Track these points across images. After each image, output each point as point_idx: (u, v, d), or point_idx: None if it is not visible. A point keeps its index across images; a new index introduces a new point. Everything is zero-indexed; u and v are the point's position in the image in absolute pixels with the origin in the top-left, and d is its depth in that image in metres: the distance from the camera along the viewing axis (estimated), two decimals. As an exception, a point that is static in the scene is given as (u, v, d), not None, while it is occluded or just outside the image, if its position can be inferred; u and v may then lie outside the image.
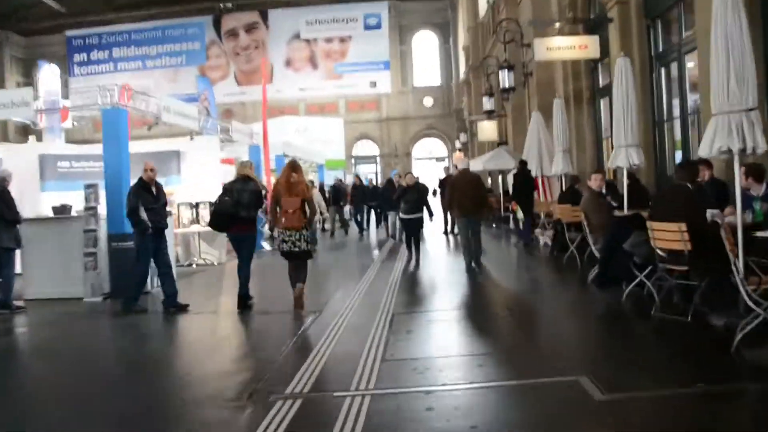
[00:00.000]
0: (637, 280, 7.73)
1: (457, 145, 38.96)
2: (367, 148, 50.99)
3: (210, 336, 8.09)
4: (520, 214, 17.01)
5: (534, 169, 15.68)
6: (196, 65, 48.39)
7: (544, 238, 15.05)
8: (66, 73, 44.82)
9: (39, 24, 46.79)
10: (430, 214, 14.21)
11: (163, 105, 11.95)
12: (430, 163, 51.23)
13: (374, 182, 27.00)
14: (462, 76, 43.95)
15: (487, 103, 22.94)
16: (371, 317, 7.96)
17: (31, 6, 43.39)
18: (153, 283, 10.58)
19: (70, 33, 49.09)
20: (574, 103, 17.12)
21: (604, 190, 9.93)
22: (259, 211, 9.40)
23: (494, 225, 20.63)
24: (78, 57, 49.30)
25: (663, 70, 13.19)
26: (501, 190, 23.79)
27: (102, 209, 10.54)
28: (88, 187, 10.47)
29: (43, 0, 39.84)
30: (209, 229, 13.66)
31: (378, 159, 50.38)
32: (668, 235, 6.73)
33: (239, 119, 27.88)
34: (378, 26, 47.88)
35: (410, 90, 49.69)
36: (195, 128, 13.64)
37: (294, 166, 8.61)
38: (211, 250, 14.54)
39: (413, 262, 13.16)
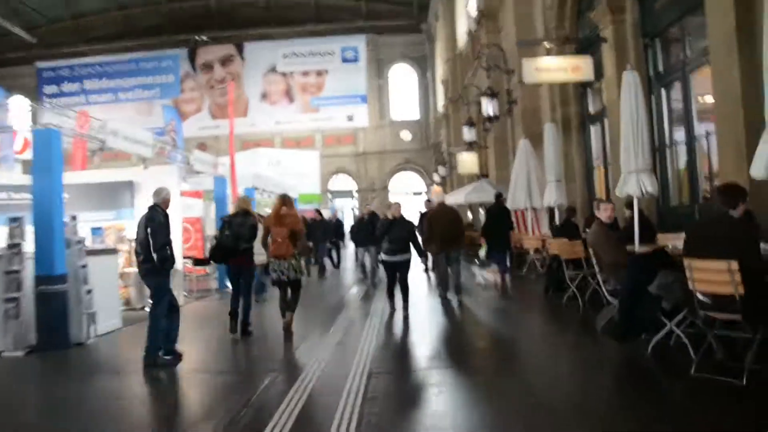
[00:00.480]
0: (666, 329, 6.27)
1: (435, 178, 37.65)
2: (343, 182, 49.59)
3: (140, 404, 6.43)
4: (482, 250, 15.73)
5: (522, 201, 14.31)
6: (170, 98, 46.82)
7: (482, 274, 14.20)
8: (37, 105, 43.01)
9: (8, 54, 45.08)
10: (420, 253, 11.55)
11: (110, 129, 10.34)
12: (407, 197, 49.92)
13: (339, 216, 25.32)
14: (440, 109, 42.94)
15: (468, 134, 21.66)
16: (342, 378, 6.38)
17: (1, 36, 41.71)
18: (89, 333, 8.92)
19: (40, 64, 47.56)
20: (563, 130, 15.83)
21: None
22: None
23: (477, 261, 19.14)
24: (48, 89, 47.59)
25: (663, 91, 11.90)
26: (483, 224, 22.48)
27: (29, 246, 8.86)
28: (12, 220, 8.78)
29: (12, 30, 38.17)
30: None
31: (355, 193, 48.95)
32: (713, 276, 5.30)
33: (213, 153, 26.40)
34: (355, 59, 46.94)
35: (387, 124, 48.54)
36: (148, 155, 12.03)
37: (285, 200, 8.96)
38: (168, 291, 12.87)
39: (399, 315, 10.09)
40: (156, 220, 7.40)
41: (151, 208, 7.59)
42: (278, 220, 8.72)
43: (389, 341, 8.65)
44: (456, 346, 8.32)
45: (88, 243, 10.28)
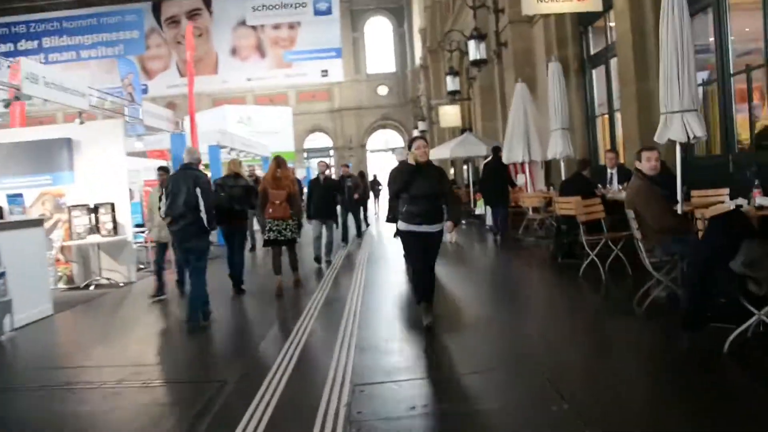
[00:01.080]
0: (753, 320, 4.58)
1: (415, 134, 35.73)
2: (320, 140, 47.53)
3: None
4: (480, 207, 14.03)
5: (520, 153, 12.51)
6: (135, 55, 43.94)
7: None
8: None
9: (-41, 12, 42.03)
10: (458, 220, 7.10)
11: (28, 72, 8.29)
12: (386, 155, 48.03)
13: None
14: (418, 61, 40.85)
15: (451, 83, 19.73)
16: (316, 391, 4.61)
17: (-53, -9, 38.67)
18: (1, 328, 7.07)
19: (-5, 21, 44.41)
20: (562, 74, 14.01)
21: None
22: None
23: (463, 222, 17.39)
24: (3, 47, 44.43)
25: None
26: (469, 181, 20.75)
27: None
28: None
29: (-41, -16, 35.26)
30: (112, 239, 10.56)
31: (331, 152, 46.95)
32: None
33: (183, 112, 24.26)
34: (329, 12, 44.23)
35: (364, 78, 46.40)
36: (83, 107, 10.01)
37: (279, 162, 9.02)
38: (117, 266, 11.00)
39: (429, 320, 6.28)
40: (204, 179, 7.31)
41: (190, 168, 7.33)
42: (275, 182, 8.69)
43: (373, 332, 6.83)
44: (458, 345, 6.06)
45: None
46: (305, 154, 45.98)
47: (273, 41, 44.30)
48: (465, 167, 25.39)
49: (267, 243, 8.99)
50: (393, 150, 47.10)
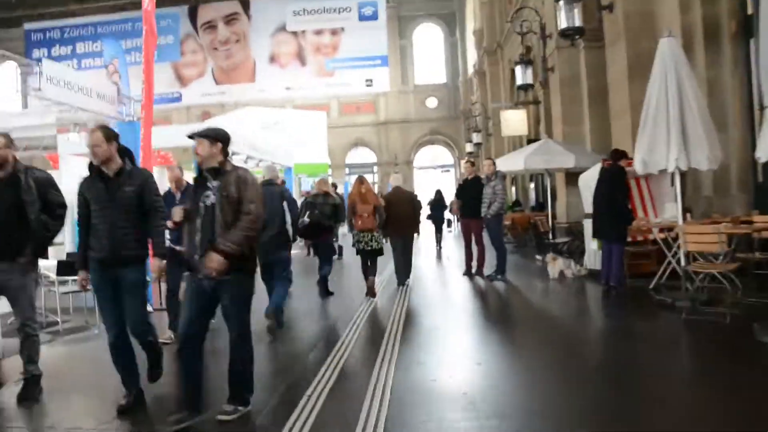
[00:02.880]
0: None
1: (468, 148, 30.62)
2: (363, 155, 42.82)
3: None
4: (594, 244, 8.89)
5: (668, 159, 7.17)
6: (170, 61, 40.12)
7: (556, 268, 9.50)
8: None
9: (-6, 16, 39.06)
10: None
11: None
12: (435, 172, 43.05)
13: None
14: (471, 70, 35.92)
15: (522, 75, 14.62)
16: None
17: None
18: None
19: (28, 26, 41.31)
20: (705, 45, 8.85)
21: None
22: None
23: (539, 258, 12.30)
24: (37, 53, 41.16)
25: None
26: (544, 200, 15.67)
27: None
28: None
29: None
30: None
31: (375, 167, 42.16)
32: None
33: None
34: (374, 17, 39.60)
35: (411, 89, 41.60)
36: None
37: (362, 180, 9.54)
38: None
39: None
40: (289, 195, 7.70)
41: (273, 184, 7.61)
42: (362, 197, 9.25)
43: None
44: None
45: None
46: (347, 170, 41.31)
47: (314, 48, 39.76)
48: (532, 185, 20.18)
49: (358, 252, 9.39)
50: (442, 167, 42.22)
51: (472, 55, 36.54)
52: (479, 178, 10.18)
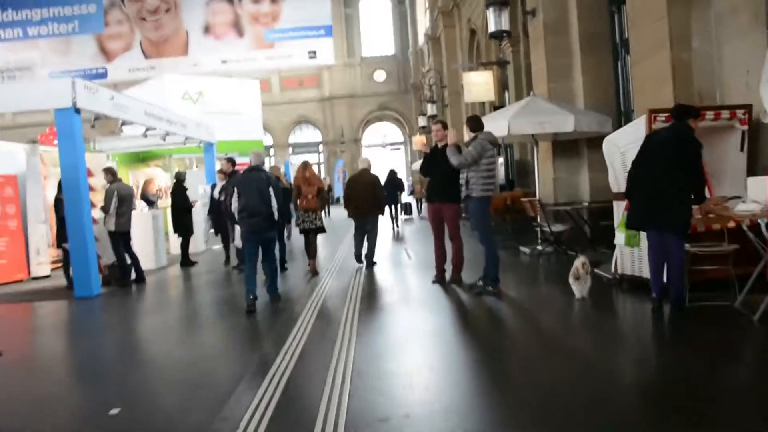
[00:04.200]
0: None
1: (421, 122, 27.49)
2: (307, 133, 39.34)
3: None
4: (621, 238, 5.87)
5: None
6: (92, 34, 35.62)
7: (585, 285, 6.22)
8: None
9: None
10: None
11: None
12: (384, 151, 39.89)
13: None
14: (422, 40, 32.75)
15: (496, 20, 11.42)
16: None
17: None
18: None
19: None
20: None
21: None
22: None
23: (525, 250, 9.38)
24: (-61, 24, 36.10)
25: None
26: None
27: None
28: None
29: None
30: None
31: (321, 147, 38.76)
32: None
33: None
34: (317, -17, 35.98)
35: (358, 62, 38.35)
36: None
37: (306, 165, 9.88)
38: None
39: None
40: (274, 180, 7.76)
41: (259, 169, 7.61)
42: (306, 180, 9.60)
43: None
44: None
45: None
46: (290, 150, 37.84)
47: (252, 17, 35.71)
48: (501, 158, 17.22)
49: (302, 231, 9.84)
50: (392, 145, 39.19)
51: (423, 25, 33.36)
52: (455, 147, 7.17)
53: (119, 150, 14.32)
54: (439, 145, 7.40)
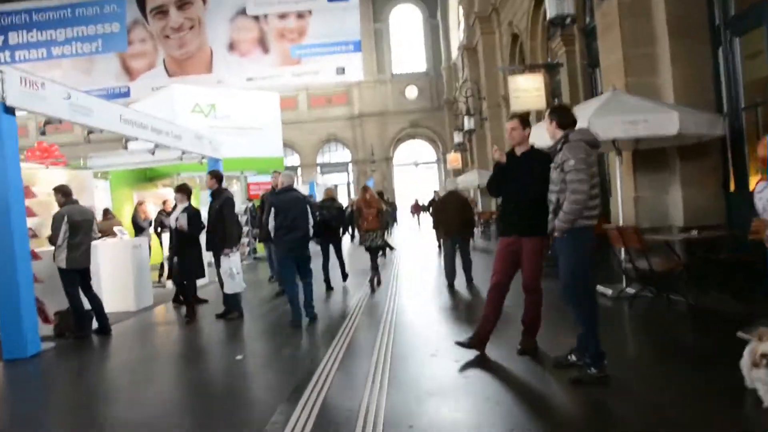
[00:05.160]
0: None
1: (457, 138, 25.08)
2: (336, 153, 37.23)
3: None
4: None
5: None
6: (116, 53, 34.27)
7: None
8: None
9: None
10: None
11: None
12: (416, 170, 37.59)
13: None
14: (455, 54, 30.54)
15: (560, 4, 9.01)
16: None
17: None
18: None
19: (-46, 15, 35.34)
20: None
21: None
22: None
23: (609, 292, 6.80)
24: (-33, 46, 35.13)
25: None
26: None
27: None
28: None
29: None
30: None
31: (350, 166, 36.59)
32: None
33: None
34: (345, -3, 34.15)
35: (388, 78, 36.32)
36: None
37: (366, 188, 10.60)
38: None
39: None
40: (310, 199, 8.13)
41: (293, 190, 7.71)
42: (366, 203, 10.11)
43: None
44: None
45: None
46: (318, 169, 35.73)
47: (279, 34, 34.02)
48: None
49: (366, 249, 10.19)
50: (425, 164, 36.90)
51: (456, 38, 31.18)
52: (540, 154, 4.71)
53: (115, 167, 12.24)
54: (517, 150, 5.00)
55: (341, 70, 33.03)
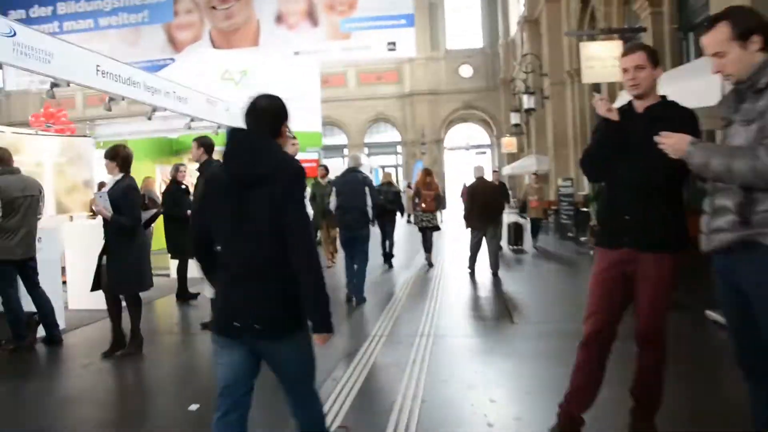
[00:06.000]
0: None
1: (513, 120, 22.79)
2: (384, 133, 35.32)
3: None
4: None
5: None
6: (161, 23, 33.08)
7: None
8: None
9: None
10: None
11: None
12: (467, 154, 35.38)
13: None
14: (514, 29, 28.12)
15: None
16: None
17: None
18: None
19: (4, -17, 34.75)
20: None
21: None
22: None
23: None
24: (15, 14, 34.38)
25: None
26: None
27: None
28: None
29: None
30: None
31: (399, 147, 34.62)
32: None
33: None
34: (398, -32, 32.05)
35: (442, 56, 34.16)
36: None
37: (428, 172, 11.28)
38: None
39: None
40: (370, 181, 8.26)
41: (357, 171, 8.00)
42: (425, 185, 10.68)
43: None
44: None
45: None
46: (366, 150, 33.87)
47: (328, 5, 32.29)
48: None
49: (420, 229, 10.91)
50: (477, 148, 34.67)
51: (516, 12, 28.70)
52: (677, 110, 2.68)
53: (123, 136, 10.64)
54: (638, 105, 3.00)
55: (392, 46, 31.01)
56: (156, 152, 13.56)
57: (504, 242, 11.80)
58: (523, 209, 14.59)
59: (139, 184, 11.94)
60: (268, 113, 2.46)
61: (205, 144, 6.07)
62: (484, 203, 9.67)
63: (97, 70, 6.68)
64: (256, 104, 2.46)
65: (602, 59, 11.56)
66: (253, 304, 2.30)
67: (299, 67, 16.50)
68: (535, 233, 13.66)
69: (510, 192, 14.75)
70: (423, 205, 10.58)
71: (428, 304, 7.34)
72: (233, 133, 2.44)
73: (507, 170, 25.65)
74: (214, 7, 33.02)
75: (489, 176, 11.38)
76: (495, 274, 9.47)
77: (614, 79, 11.64)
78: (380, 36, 31.65)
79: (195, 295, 7.79)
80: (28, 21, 33.39)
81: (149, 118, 9.54)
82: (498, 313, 6.81)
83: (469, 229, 9.91)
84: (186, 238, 7.78)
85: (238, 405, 2.42)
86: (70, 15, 33.74)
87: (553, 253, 12.69)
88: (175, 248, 8.01)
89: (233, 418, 2.40)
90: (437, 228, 11.03)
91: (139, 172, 13.00)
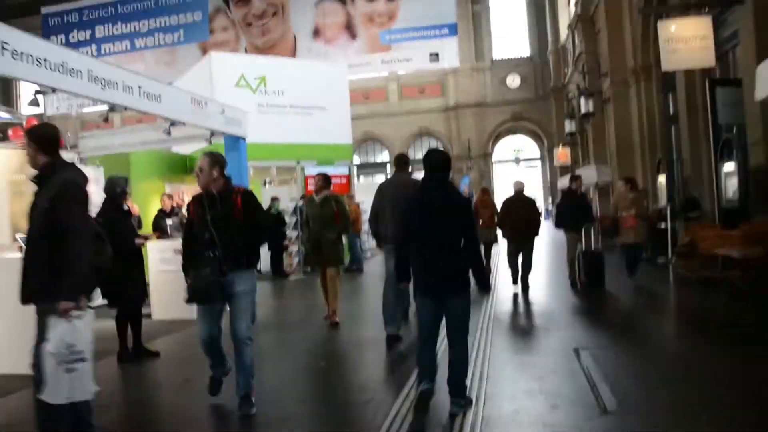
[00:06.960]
0: None
1: (567, 128, 20.50)
2: (428, 147, 33.34)
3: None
4: None
5: None
6: (197, 42, 32.20)
7: None
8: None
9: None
10: None
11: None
12: (517, 168, 33.19)
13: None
14: (564, 35, 25.95)
15: None
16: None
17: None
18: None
19: (46, 10, 34.71)
20: None
21: None
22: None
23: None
24: (55, 39, 34.14)
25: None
26: None
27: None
28: None
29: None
30: None
31: (444, 163, 32.57)
32: None
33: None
34: (439, -24, 30.39)
35: (488, 66, 32.26)
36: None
37: (485, 190, 12.38)
38: None
39: None
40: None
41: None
42: (483, 203, 11.50)
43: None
44: None
45: None
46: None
47: (367, 18, 30.96)
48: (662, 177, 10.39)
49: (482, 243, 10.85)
50: (527, 161, 32.48)
51: (566, 17, 26.56)
52: None
53: (105, 151, 8.92)
54: None
55: (435, 57, 29.34)
56: (167, 169, 11.91)
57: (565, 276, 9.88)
58: (614, 231, 10.26)
59: (155, 202, 10.25)
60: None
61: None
62: (517, 219, 9.68)
63: (89, 75, 4.93)
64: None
65: (687, 40, 9.38)
66: (447, 273, 4.25)
67: (325, 74, 14.58)
68: (632, 264, 9.98)
69: (590, 206, 11.42)
70: (481, 221, 11.02)
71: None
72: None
73: (563, 183, 23.27)
74: (249, 24, 32.07)
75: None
76: (526, 288, 9.84)
77: (703, 65, 9.42)
78: (422, 47, 30.02)
79: (155, 354, 5.90)
80: (68, 45, 32.92)
81: (168, 133, 7.80)
82: (577, 393, 4.43)
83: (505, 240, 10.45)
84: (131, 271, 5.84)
85: (432, 336, 4.37)
86: (107, 38, 33.26)
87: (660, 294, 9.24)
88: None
89: (430, 344, 4.38)
90: (494, 241, 11.69)
91: (144, 191, 11.48)
